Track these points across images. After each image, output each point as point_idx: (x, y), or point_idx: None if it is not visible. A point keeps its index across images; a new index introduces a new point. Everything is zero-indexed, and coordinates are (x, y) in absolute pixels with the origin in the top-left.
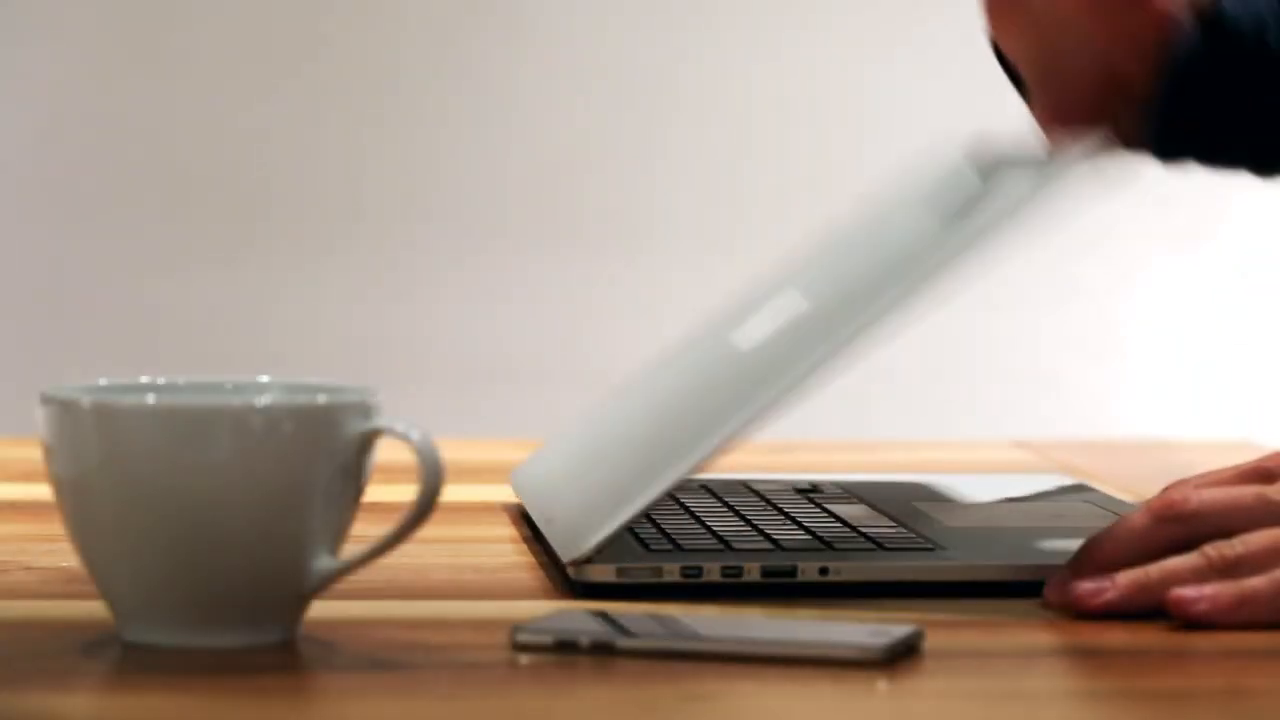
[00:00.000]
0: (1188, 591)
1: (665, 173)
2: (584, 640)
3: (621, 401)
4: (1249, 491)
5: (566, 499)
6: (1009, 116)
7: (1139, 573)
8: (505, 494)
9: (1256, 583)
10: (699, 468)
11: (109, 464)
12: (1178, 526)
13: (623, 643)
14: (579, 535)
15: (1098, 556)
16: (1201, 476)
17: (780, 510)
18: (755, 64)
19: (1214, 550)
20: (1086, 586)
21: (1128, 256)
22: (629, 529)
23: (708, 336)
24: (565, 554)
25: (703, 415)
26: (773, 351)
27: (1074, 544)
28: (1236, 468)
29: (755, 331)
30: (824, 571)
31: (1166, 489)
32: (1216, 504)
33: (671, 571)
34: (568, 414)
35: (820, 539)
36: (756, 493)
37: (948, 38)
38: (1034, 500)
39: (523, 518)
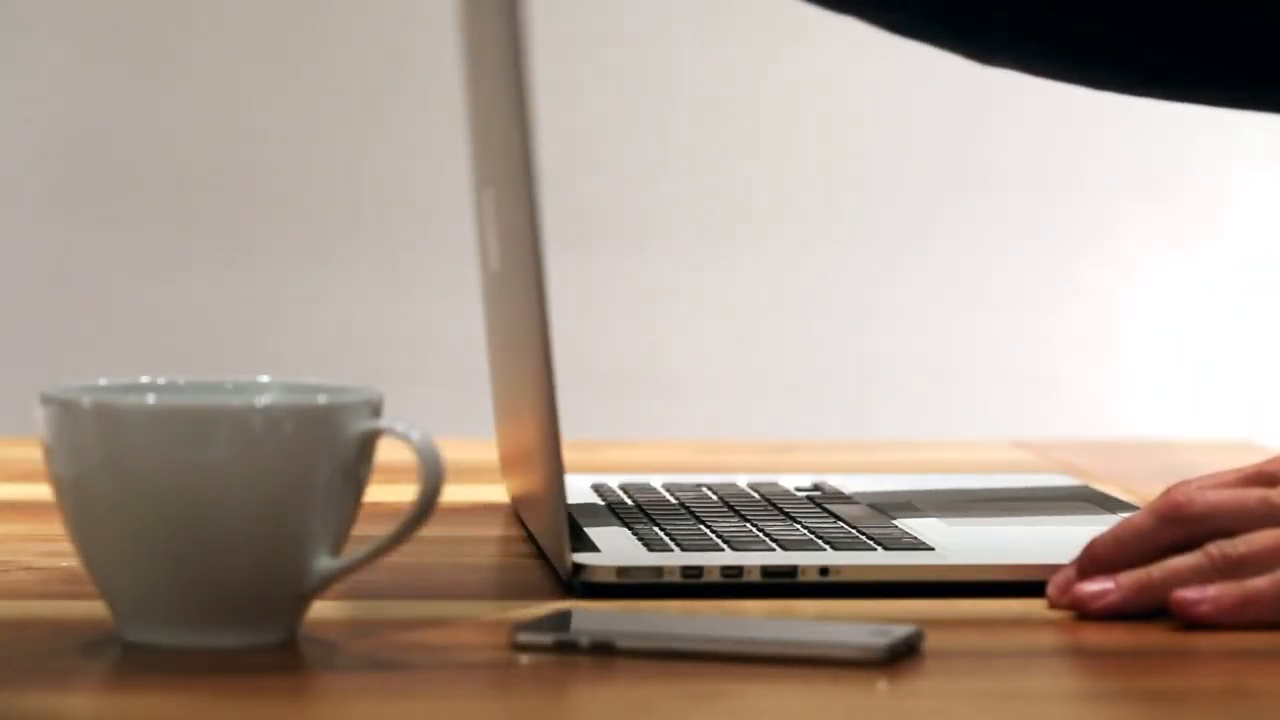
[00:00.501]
0: (1190, 593)
1: (666, 173)
2: (584, 640)
3: None
4: (1253, 494)
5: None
6: (1007, 117)
7: (1141, 573)
8: (505, 494)
9: (1260, 583)
10: None
11: (109, 464)
12: (1181, 528)
13: (623, 643)
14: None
15: (1101, 557)
16: (1204, 479)
17: (780, 510)
18: (757, 64)
19: (1217, 550)
20: (1090, 588)
21: (1128, 256)
22: (629, 529)
23: None
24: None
25: None
26: None
27: (1074, 544)
28: (1239, 471)
29: None
30: (824, 571)
31: (1169, 490)
32: (1221, 506)
33: (671, 571)
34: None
35: (820, 539)
36: (756, 493)
37: None
38: (1034, 500)
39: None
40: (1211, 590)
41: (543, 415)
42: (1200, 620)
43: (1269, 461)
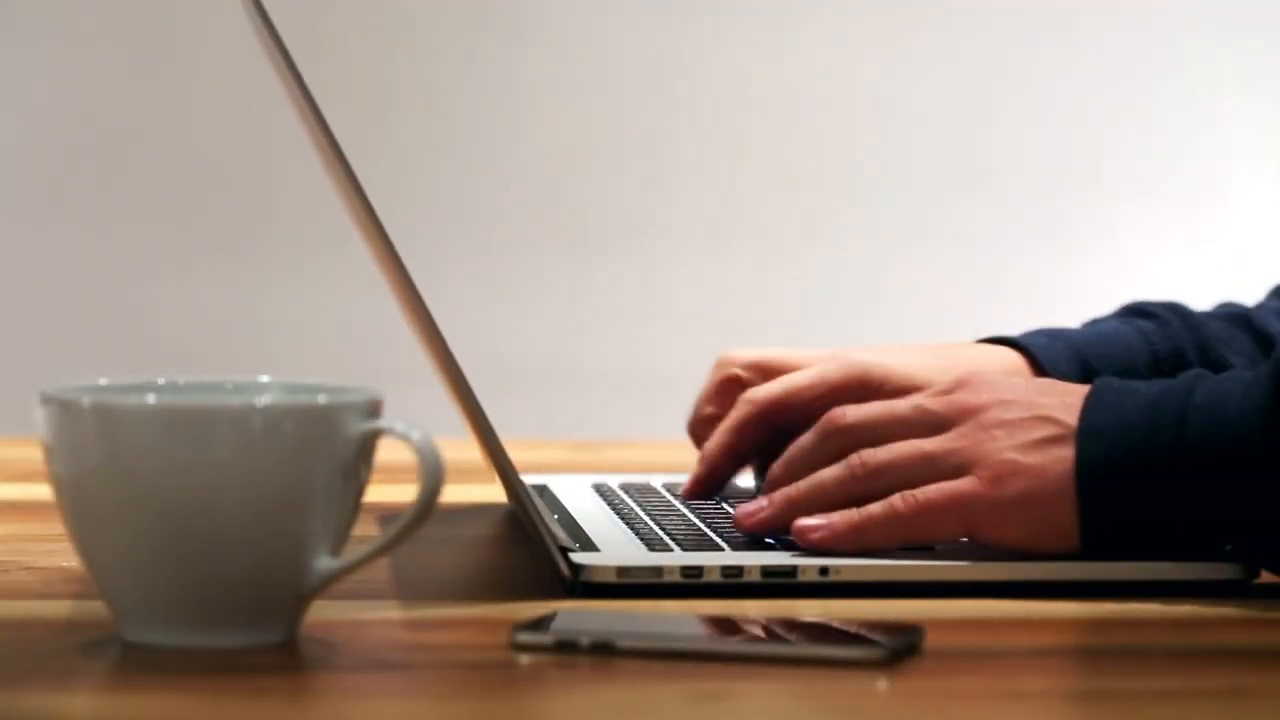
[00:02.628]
0: (809, 521)
1: (666, 173)
2: (584, 640)
3: None
4: (906, 403)
5: None
6: (1006, 117)
7: (791, 488)
8: (505, 494)
9: (874, 509)
10: None
11: (109, 464)
12: (838, 439)
13: (623, 643)
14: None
15: (775, 479)
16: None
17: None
18: (755, 64)
19: (857, 458)
20: (745, 508)
21: (1127, 256)
22: (629, 529)
23: None
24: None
25: None
26: None
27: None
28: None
29: None
30: (824, 571)
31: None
32: (872, 416)
33: (671, 571)
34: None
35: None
36: (757, 493)
37: (946, 38)
38: None
39: (521, 517)
40: (834, 518)
41: (475, 416)
42: (817, 546)
43: (970, 372)
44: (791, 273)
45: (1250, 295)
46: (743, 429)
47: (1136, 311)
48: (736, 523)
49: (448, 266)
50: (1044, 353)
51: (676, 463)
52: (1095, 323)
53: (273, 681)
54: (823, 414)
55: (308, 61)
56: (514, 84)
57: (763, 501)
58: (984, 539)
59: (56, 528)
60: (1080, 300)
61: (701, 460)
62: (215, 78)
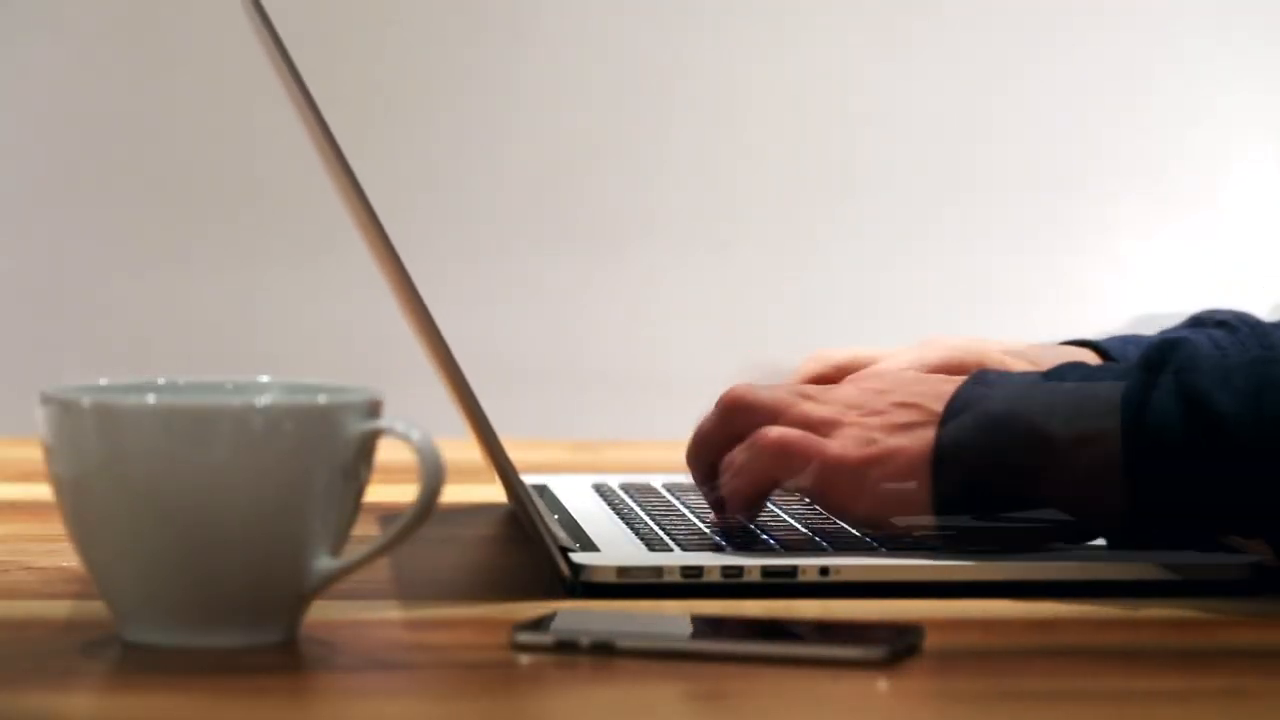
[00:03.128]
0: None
1: (665, 174)
2: (584, 640)
3: None
4: (793, 387)
5: None
6: (1004, 117)
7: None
8: (505, 494)
9: (739, 456)
10: None
11: (109, 464)
12: (735, 420)
13: (623, 643)
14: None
15: (689, 460)
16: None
17: (780, 510)
18: (755, 66)
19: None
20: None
21: (1127, 256)
22: (629, 529)
23: None
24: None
25: None
26: None
27: (1074, 544)
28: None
29: None
30: (824, 571)
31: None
32: (764, 398)
33: (671, 571)
34: (568, 414)
35: (820, 539)
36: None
37: (944, 38)
38: None
39: (521, 517)
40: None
41: (475, 416)
42: (727, 507)
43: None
44: (792, 273)
45: (1249, 295)
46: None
47: (1206, 321)
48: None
49: (448, 266)
50: (1119, 355)
51: (677, 463)
52: (1166, 333)
53: (273, 681)
54: None
55: (308, 61)
56: (514, 84)
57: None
58: (832, 503)
59: (56, 528)
60: (1080, 300)
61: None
62: (216, 78)
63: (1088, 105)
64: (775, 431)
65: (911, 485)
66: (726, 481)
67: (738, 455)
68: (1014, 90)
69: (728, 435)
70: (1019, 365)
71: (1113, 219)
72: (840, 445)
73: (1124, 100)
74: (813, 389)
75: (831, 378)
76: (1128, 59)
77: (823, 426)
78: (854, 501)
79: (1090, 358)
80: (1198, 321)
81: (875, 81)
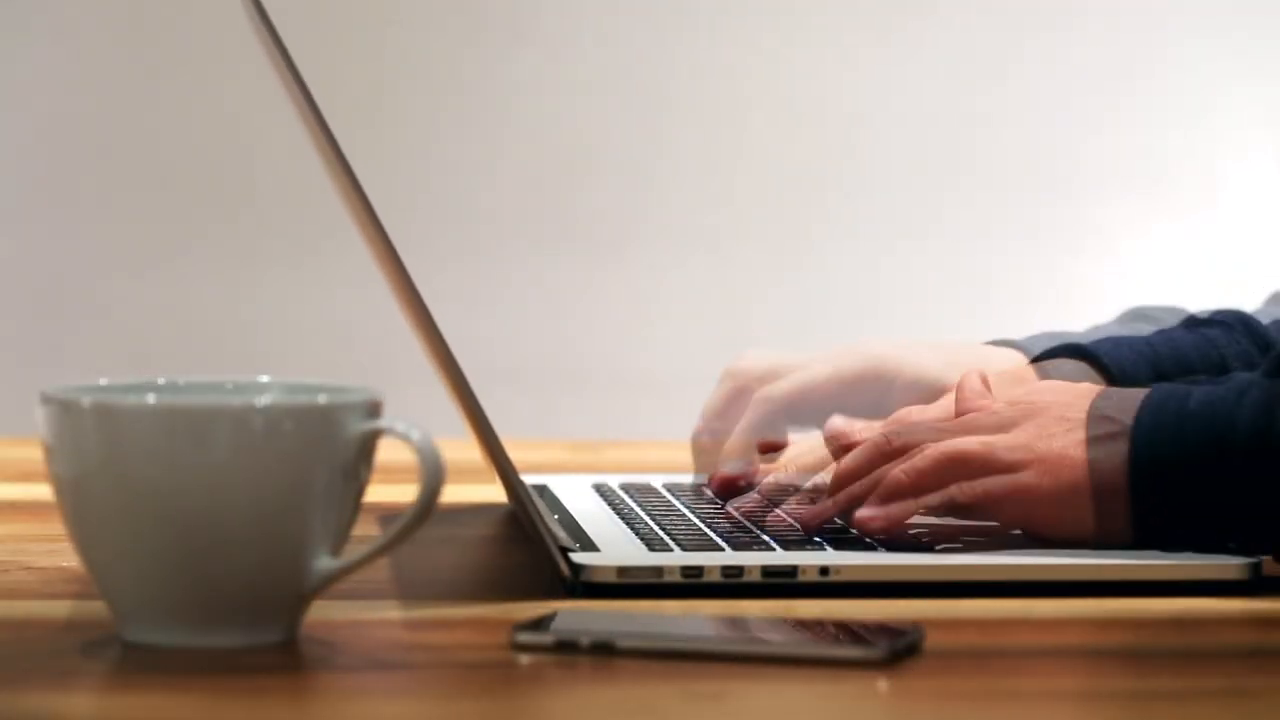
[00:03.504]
0: (867, 511)
1: (663, 174)
2: (584, 640)
3: None
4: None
5: None
6: (999, 116)
7: (854, 485)
8: (505, 494)
9: (930, 498)
10: None
11: (109, 464)
12: (897, 442)
13: (623, 643)
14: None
15: (840, 481)
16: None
17: (780, 510)
18: (753, 66)
19: (918, 451)
20: (812, 510)
21: (1127, 254)
22: (629, 529)
23: None
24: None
25: None
26: None
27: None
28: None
29: None
30: (824, 571)
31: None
32: (934, 421)
33: (671, 571)
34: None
35: (820, 539)
36: (757, 493)
37: (940, 38)
38: None
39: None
40: (891, 507)
41: (475, 416)
42: (876, 534)
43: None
44: (792, 272)
45: (1248, 293)
46: (760, 431)
47: (1201, 322)
48: (803, 524)
49: (448, 266)
50: (1111, 359)
51: (676, 463)
52: (1162, 333)
53: (273, 681)
54: (837, 409)
55: (308, 61)
56: (513, 85)
57: (827, 503)
58: (1037, 531)
59: (56, 528)
60: (1078, 299)
61: (722, 464)
62: (217, 78)
63: (1086, 104)
64: (976, 485)
65: (1116, 502)
66: (906, 517)
67: (933, 501)
68: (1011, 90)
69: (874, 466)
70: (938, 369)
71: (1110, 217)
72: (1030, 477)
73: (1121, 100)
74: (980, 409)
75: (747, 391)
76: (1126, 58)
77: (1004, 454)
78: (1057, 526)
79: (1017, 358)
80: (1193, 323)
81: (873, 82)
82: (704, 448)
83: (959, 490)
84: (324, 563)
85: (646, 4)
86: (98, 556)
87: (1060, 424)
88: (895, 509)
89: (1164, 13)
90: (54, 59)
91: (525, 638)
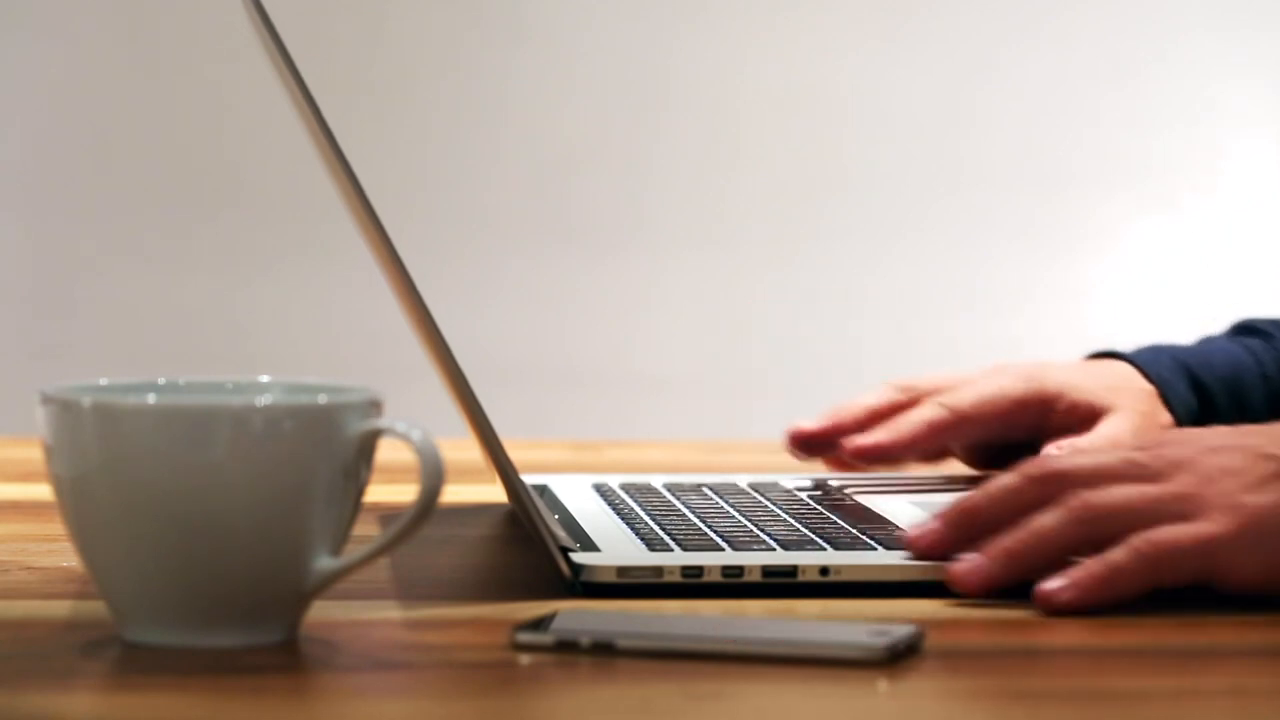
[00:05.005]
0: (1051, 583)
1: (663, 174)
2: (584, 640)
3: None
4: (1118, 454)
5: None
6: (998, 114)
7: (1009, 540)
8: (505, 494)
9: (1117, 557)
10: None
11: (109, 464)
12: (1046, 486)
13: (623, 643)
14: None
15: (972, 510)
16: (1078, 441)
17: (780, 510)
18: (750, 65)
19: (1079, 501)
20: (962, 566)
21: (1131, 256)
22: (629, 529)
23: None
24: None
25: None
26: None
27: None
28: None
29: None
30: (824, 571)
31: (1042, 452)
32: (1083, 466)
33: (672, 571)
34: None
35: (820, 539)
36: (756, 493)
37: (938, 36)
38: None
39: (521, 517)
40: (1077, 574)
41: (475, 416)
42: (1065, 609)
43: (1157, 431)
44: (791, 272)
45: (1247, 291)
46: (938, 432)
47: (1245, 329)
48: (956, 580)
49: (448, 266)
50: (1151, 366)
51: (676, 463)
52: (1207, 340)
53: (273, 681)
54: (1004, 429)
55: (308, 61)
56: (512, 84)
57: (978, 559)
58: (1221, 581)
59: (56, 528)
60: (1076, 297)
61: (883, 441)
62: (217, 78)
63: (1085, 103)
64: (1157, 538)
65: None
66: (1098, 586)
67: (1121, 560)
68: (1009, 88)
69: (1036, 503)
70: (1092, 389)
71: (1109, 215)
72: (1212, 526)
73: (1122, 98)
74: (1125, 457)
75: (905, 405)
76: (1123, 58)
77: (1172, 504)
78: (1241, 575)
79: (1130, 372)
80: (1238, 330)
81: (872, 80)
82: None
83: (1144, 543)
84: (324, 563)
85: (645, 4)
86: (98, 556)
87: (1222, 471)
88: (1084, 578)
89: (1163, 11)
90: (54, 58)
91: (525, 638)
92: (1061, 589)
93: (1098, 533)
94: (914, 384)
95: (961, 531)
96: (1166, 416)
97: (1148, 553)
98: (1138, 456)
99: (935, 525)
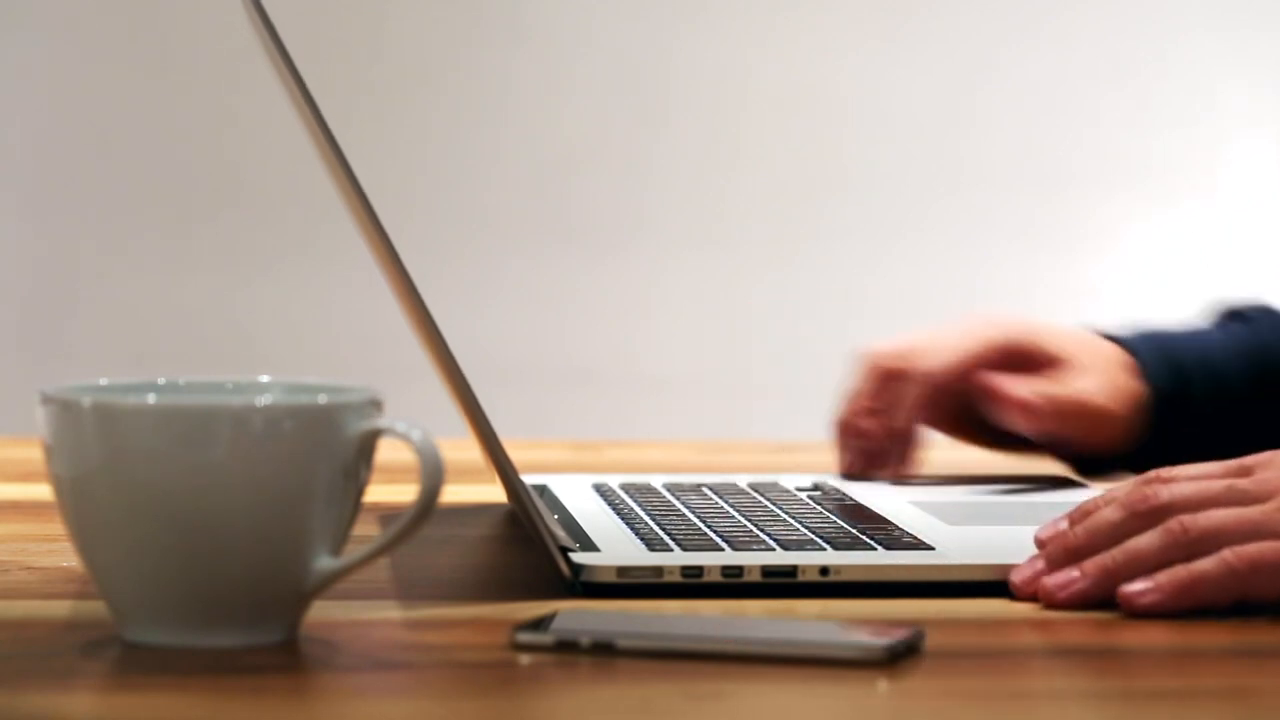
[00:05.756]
0: (1135, 585)
1: (663, 174)
2: (584, 640)
3: None
4: (1220, 483)
5: None
6: (998, 113)
7: (1105, 558)
8: (505, 494)
9: (1204, 565)
10: None
11: (109, 464)
12: (1150, 520)
13: (623, 643)
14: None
15: (1074, 548)
16: (1181, 470)
17: (780, 510)
18: (750, 65)
19: (1177, 524)
20: (1056, 579)
21: (1131, 256)
22: (629, 529)
23: None
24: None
25: None
26: None
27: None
28: (1220, 464)
29: None
30: (824, 571)
31: (1140, 481)
32: (1188, 496)
33: (672, 571)
34: (568, 414)
35: (820, 539)
36: (756, 493)
37: (938, 36)
38: (1034, 500)
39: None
40: (1160, 578)
41: (475, 416)
42: (1147, 610)
43: (1250, 457)
44: (791, 271)
45: (1245, 289)
46: (925, 406)
47: (1230, 315)
48: (1048, 595)
49: (447, 266)
50: (1140, 350)
51: (676, 463)
52: (1190, 331)
53: (273, 681)
54: (987, 377)
55: (307, 61)
56: (512, 84)
57: (1074, 573)
58: None
59: (56, 528)
60: (1075, 295)
61: (900, 434)
62: (217, 78)
63: (1084, 102)
64: (1248, 551)
65: None
66: (1178, 589)
67: (1207, 568)
68: (1009, 88)
69: (1137, 532)
70: (1067, 346)
71: (1108, 215)
72: None
73: (1121, 97)
74: (1228, 485)
75: (897, 371)
76: (1125, 56)
77: (1270, 526)
78: None
79: (1117, 353)
80: (1222, 317)
81: (872, 79)
82: (863, 430)
83: (1233, 555)
84: (324, 563)
85: (645, 4)
86: (97, 556)
87: None
88: (1167, 581)
89: (1163, 11)
90: (54, 58)
91: (525, 638)
92: (1144, 591)
93: (1194, 555)
94: (880, 353)
95: (1060, 567)
96: (1135, 383)
97: (1235, 564)
98: (1240, 484)
99: (1040, 567)
